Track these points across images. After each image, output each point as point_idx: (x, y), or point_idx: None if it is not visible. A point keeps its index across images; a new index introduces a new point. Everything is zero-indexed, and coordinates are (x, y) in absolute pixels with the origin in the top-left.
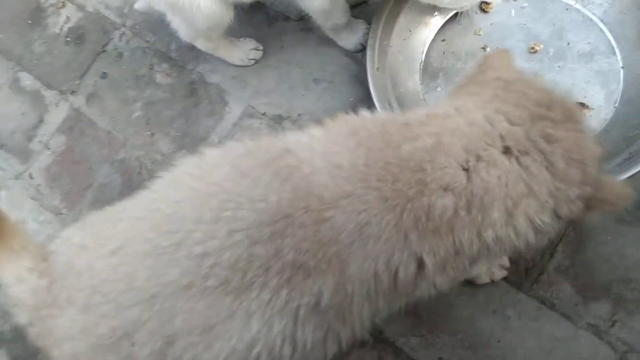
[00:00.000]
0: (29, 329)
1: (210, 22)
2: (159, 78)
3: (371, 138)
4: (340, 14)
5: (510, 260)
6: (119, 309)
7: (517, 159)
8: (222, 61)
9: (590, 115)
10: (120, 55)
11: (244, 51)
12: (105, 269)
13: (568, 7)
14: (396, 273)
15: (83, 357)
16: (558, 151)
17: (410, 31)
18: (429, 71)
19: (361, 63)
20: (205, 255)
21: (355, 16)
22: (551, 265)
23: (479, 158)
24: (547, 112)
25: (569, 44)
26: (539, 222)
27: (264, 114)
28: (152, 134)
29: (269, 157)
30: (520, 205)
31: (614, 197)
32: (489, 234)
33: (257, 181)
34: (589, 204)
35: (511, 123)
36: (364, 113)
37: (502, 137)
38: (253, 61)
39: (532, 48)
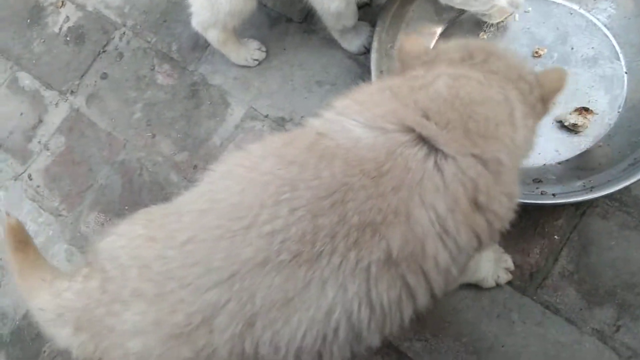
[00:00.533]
0: (73, 339)
1: (234, 5)
2: (160, 79)
3: (400, 86)
4: (352, 16)
5: (515, 264)
6: (197, 292)
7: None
8: (224, 62)
9: (595, 120)
10: (121, 55)
11: (249, 51)
12: (179, 256)
13: (572, 12)
14: (465, 188)
15: (154, 353)
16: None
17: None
18: None
19: (364, 65)
20: (274, 233)
21: (359, 18)
22: (555, 270)
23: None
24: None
25: (572, 48)
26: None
27: (266, 116)
28: (153, 136)
29: (308, 143)
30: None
31: (555, 81)
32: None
33: (305, 165)
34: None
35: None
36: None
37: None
38: (256, 62)
39: (536, 52)
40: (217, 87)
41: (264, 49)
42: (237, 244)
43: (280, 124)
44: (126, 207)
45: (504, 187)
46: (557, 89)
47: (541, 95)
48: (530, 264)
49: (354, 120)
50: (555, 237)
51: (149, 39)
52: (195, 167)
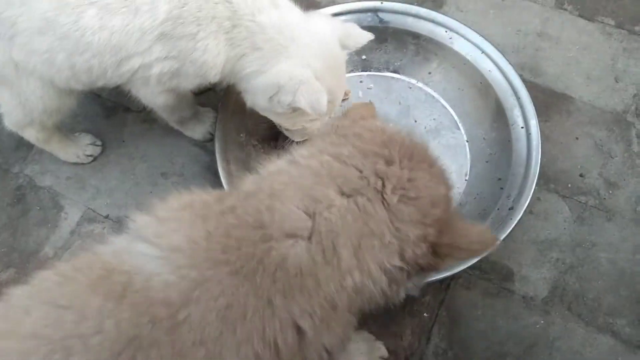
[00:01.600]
0: None
1: (48, 103)
2: None
3: (207, 206)
4: (186, 107)
5: (389, 349)
6: None
7: (352, 198)
8: (55, 160)
9: None
10: None
11: (80, 147)
12: None
13: (411, 86)
14: (276, 346)
15: None
16: (389, 188)
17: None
18: None
19: (213, 152)
20: None
21: (201, 104)
22: (429, 350)
23: (317, 201)
24: (381, 149)
25: (416, 121)
26: (389, 266)
27: (106, 217)
28: None
29: (94, 277)
30: (364, 246)
31: (468, 243)
32: (348, 282)
33: (85, 312)
34: (438, 249)
35: (344, 164)
36: (197, 189)
37: (334, 179)
38: (90, 157)
39: None
40: (47, 189)
41: (98, 142)
42: None
43: (123, 223)
44: None
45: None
46: (468, 249)
47: (437, 240)
48: (404, 347)
49: (150, 246)
50: (425, 314)
51: None
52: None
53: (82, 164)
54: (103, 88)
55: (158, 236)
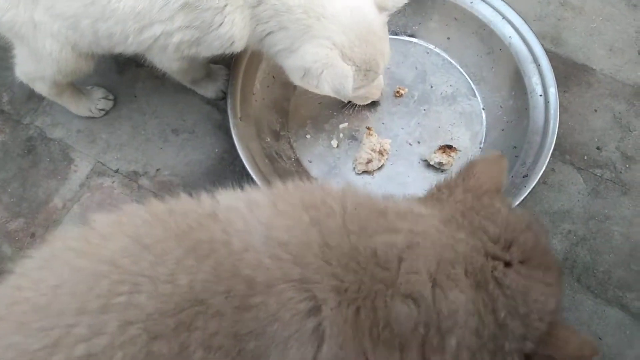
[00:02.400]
0: None
1: (63, 66)
2: None
3: (333, 217)
4: (200, 70)
5: None
6: None
7: (478, 288)
8: (66, 112)
9: (459, 157)
10: None
11: (92, 100)
12: None
13: (428, 51)
14: None
15: None
16: (501, 299)
17: (274, 77)
18: (297, 119)
19: (224, 111)
20: (90, 358)
21: (214, 62)
22: None
23: (448, 275)
24: (501, 252)
25: (432, 86)
26: None
27: (116, 171)
28: None
29: (185, 226)
30: (464, 339)
31: (565, 356)
32: None
33: (164, 257)
34: (533, 357)
35: (472, 249)
36: (325, 185)
37: (464, 258)
38: (103, 112)
39: (397, 92)
40: (58, 142)
41: (111, 97)
42: None
43: (132, 178)
44: None
45: None
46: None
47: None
48: None
49: (259, 223)
50: None
51: None
52: (33, 235)
53: (94, 117)
54: (120, 54)
55: (270, 227)
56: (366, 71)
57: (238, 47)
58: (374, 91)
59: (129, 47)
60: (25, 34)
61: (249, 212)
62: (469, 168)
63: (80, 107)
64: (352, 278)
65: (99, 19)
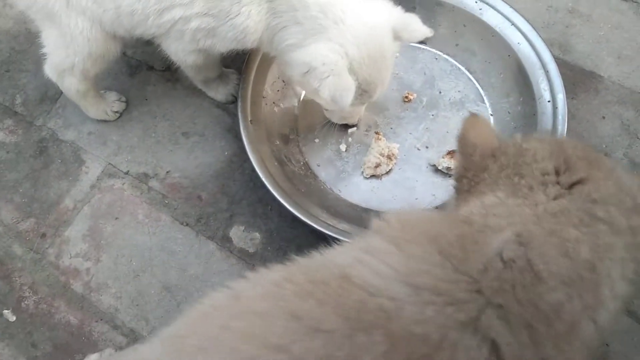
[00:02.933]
0: None
1: (94, 47)
2: (2, 136)
3: (451, 244)
4: (214, 68)
5: None
6: None
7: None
8: (78, 115)
9: None
10: None
11: (108, 104)
12: None
13: (437, 57)
14: None
15: None
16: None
17: (284, 82)
18: (306, 123)
19: (234, 115)
20: None
21: (226, 65)
22: None
23: (564, 240)
24: (570, 175)
25: (440, 92)
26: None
27: (127, 173)
28: None
29: (335, 294)
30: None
31: None
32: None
33: (334, 338)
34: None
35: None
36: (427, 213)
37: (563, 210)
38: (117, 114)
39: (406, 97)
40: (70, 143)
41: (123, 99)
42: None
43: (143, 180)
44: None
45: None
46: None
47: None
48: None
49: (395, 273)
50: None
51: None
52: (43, 235)
53: (107, 120)
54: (139, 40)
55: (407, 274)
56: (363, 91)
57: (251, 40)
58: (354, 114)
59: (149, 28)
60: (58, 10)
61: (378, 264)
62: (464, 146)
63: (98, 110)
64: (506, 298)
65: None
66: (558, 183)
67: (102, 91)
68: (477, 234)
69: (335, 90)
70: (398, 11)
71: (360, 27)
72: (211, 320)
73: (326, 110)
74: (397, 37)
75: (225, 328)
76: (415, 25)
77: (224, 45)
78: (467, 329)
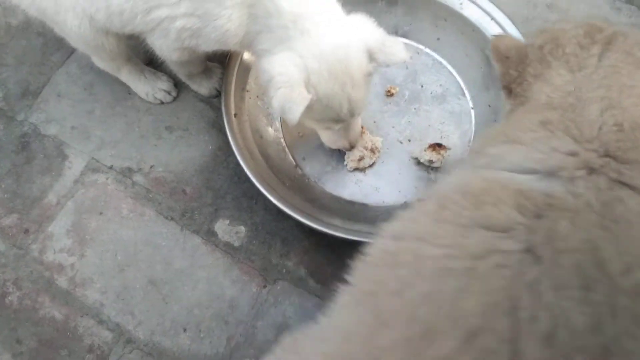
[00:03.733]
0: None
1: (87, 44)
2: None
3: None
4: (198, 64)
5: None
6: None
7: None
8: (60, 109)
9: (449, 155)
10: None
11: (153, 87)
12: None
13: (419, 51)
14: None
15: None
16: None
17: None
18: None
19: (218, 109)
20: None
21: (209, 59)
22: None
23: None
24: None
25: (422, 86)
26: None
27: (110, 167)
28: None
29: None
30: None
31: None
32: None
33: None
34: None
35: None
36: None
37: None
38: (158, 101)
39: (389, 91)
40: (52, 138)
41: (173, 93)
42: None
43: (126, 175)
44: None
45: None
46: None
47: None
48: None
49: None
50: None
51: None
52: (26, 231)
53: (88, 115)
54: (131, 35)
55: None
56: (325, 106)
57: (232, 42)
58: (345, 139)
59: (137, 26)
60: (47, 8)
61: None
62: (499, 54)
63: (139, 88)
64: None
65: None
66: (595, 43)
67: (159, 73)
68: (576, 108)
69: (285, 102)
70: (379, 32)
71: (325, 41)
72: None
73: (320, 135)
74: (372, 58)
75: None
76: (392, 49)
77: (208, 45)
78: (615, 185)
